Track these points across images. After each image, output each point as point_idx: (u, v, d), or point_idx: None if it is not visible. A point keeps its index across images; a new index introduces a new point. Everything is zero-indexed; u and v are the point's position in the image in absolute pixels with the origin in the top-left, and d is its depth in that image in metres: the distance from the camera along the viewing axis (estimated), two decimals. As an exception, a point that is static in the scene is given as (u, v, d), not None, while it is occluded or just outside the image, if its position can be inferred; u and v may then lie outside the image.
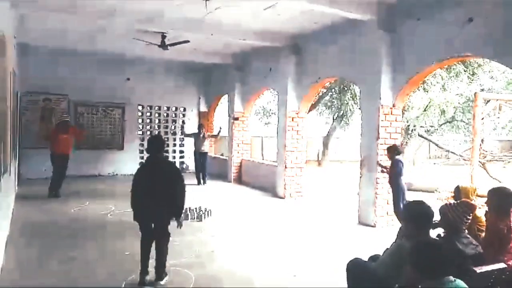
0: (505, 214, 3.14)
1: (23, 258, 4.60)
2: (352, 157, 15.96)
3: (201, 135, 10.58)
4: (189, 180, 11.03)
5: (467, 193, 4.39)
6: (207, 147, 10.79)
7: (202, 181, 10.50)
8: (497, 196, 3.20)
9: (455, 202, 3.03)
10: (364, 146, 6.70)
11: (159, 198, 3.78)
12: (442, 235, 3.08)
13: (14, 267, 4.29)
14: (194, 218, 6.68)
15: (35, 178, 10.25)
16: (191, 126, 13.30)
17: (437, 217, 2.95)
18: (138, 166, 4.40)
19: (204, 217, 6.74)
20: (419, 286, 2.20)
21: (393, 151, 6.00)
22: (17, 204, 7.39)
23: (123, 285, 3.83)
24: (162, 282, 3.81)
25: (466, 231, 2.95)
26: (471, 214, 2.94)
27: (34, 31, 8.43)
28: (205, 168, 10.56)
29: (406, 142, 12.54)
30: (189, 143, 12.30)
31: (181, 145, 13.20)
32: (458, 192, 4.42)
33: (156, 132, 12.84)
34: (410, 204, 2.88)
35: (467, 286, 2.13)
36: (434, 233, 3.12)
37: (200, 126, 10.92)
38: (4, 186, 4.77)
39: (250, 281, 4.08)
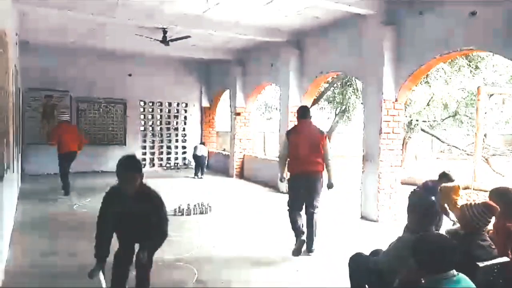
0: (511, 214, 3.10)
1: (26, 254, 4.62)
2: (354, 152, 15.95)
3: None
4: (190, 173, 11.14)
5: (448, 193, 4.38)
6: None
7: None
8: (503, 198, 3.13)
9: (475, 202, 2.95)
10: (367, 141, 6.68)
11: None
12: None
13: (17, 263, 4.31)
14: (196, 213, 6.70)
15: (38, 174, 10.30)
16: (193, 121, 13.34)
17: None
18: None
19: (206, 212, 6.76)
20: (422, 280, 2.20)
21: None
22: (20, 200, 7.43)
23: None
24: None
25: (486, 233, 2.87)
26: (492, 216, 2.83)
27: (35, 28, 8.43)
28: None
29: (409, 137, 12.49)
30: (191, 140, 12.68)
31: (184, 140, 13.22)
32: (441, 192, 4.41)
33: (159, 128, 12.87)
34: (413, 198, 2.86)
35: (469, 280, 2.13)
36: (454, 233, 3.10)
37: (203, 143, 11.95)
38: (8, 182, 4.79)
39: (252, 275, 4.09)
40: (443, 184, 4.65)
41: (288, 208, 4.82)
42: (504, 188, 3.36)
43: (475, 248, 2.73)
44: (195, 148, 11.32)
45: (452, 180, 5.13)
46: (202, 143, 11.88)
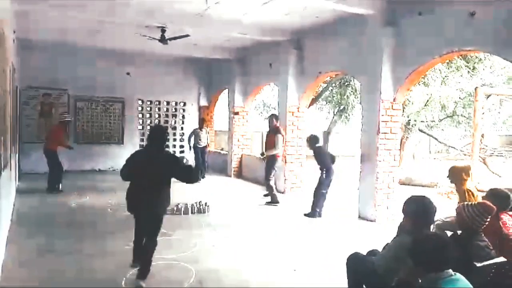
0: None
1: (24, 252, 4.60)
2: (352, 152, 15.97)
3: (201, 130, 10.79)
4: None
5: (458, 173, 4.38)
6: (207, 141, 10.92)
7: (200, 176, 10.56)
8: (496, 199, 3.25)
9: (472, 203, 2.97)
10: (365, 141, 6.69)
11: (153, 195, 3.71)
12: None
13: (14, 262, 4.30)
14: (194, 212, 6.69)
15: (36, 173, 10.27)
16: (191, 120, 13.31)
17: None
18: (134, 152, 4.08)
19: (204, 212, 6.76)
20: (419, 280, 2.21)
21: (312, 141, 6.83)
22: (17, 198, 7.41)
23: (123, 281, 3.83)
24: (141, 283, 3.58)
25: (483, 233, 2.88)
26: (488, 216, 2.83)
27: (34, 26, 8.38)
28: (205, 162, 10.90)
29: (407, 137, 12.51)
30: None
31: (181, 139, 13.21)
32: (450, 173, 4.43)
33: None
34: (411, 199, 2.86)
35: (467, 281, 2.14)
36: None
37: (201, 121, 11.22)
38: (5, 180, 4.77)
39: (251, 275, 4.09)
40: (454, 165, 4.65)
41: (270, 180, 7.54)
42: (499, 189, 3.52)
43: (473, 248, 2.74)
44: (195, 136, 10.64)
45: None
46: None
